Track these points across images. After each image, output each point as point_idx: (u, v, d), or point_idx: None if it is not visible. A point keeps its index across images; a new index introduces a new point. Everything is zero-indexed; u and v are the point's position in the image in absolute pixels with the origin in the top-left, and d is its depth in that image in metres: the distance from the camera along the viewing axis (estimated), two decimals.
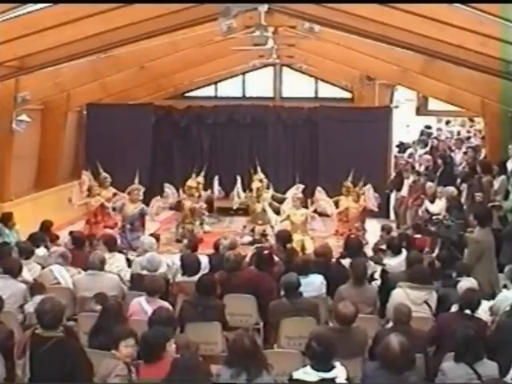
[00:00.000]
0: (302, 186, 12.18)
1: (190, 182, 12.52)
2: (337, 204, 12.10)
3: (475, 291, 6.20)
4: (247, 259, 8.26)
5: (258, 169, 12.75)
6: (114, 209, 11.95)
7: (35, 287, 6.74)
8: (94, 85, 13.74)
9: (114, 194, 12.17)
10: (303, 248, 10.84)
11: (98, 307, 6.19)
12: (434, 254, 8.84)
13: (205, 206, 12.75)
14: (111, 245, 8.33)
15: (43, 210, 11.87)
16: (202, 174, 12.94)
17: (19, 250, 7.91)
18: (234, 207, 12.88)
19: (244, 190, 12.63)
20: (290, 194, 12.06)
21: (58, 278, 7.33)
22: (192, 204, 12.34)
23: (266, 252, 7.70)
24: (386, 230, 9.66)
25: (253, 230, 12.15)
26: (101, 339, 5.39)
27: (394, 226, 12.50)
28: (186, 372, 4.42)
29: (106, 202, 11.88)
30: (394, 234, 9.99)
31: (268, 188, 12.50)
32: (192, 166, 13.19)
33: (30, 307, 6.35)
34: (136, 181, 11.85)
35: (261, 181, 12.46)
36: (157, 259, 7.64)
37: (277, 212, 12.00)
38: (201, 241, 8.87)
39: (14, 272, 6.86)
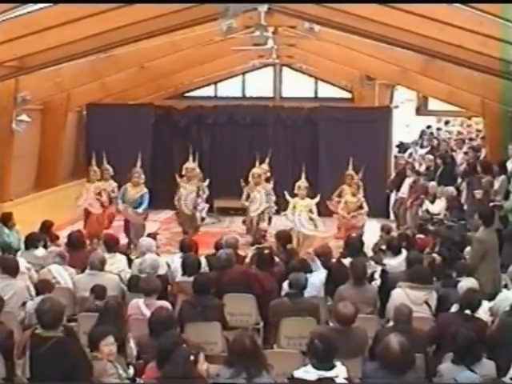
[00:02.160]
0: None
1: (189, 164, 12.22)
2: (340, 194, 12.08)
3: (475, 291, 6.19)
4: (247, 259, 8.25)
5: (267, 160, 12.69)
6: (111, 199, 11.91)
7: (41, 286, 6.72)
8: (93, 85, 13.75)
9: (113, 191, 12.15)
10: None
11: (98, 302, 6.21)
12: (435, 254, 8.84)
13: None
14: (111, 245, 8.25)
15: (43, 210, 11.85)
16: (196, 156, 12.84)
17: (1, 249, 7.95)
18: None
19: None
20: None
21: (56, 278, 7.32)
22: (194, 188, 11.99)
23: (266, 252, 7.69)
24: (385, 230, 9.66)
25: (244, 222, 12.07)
26: None
27: (393, 226, 12.51)
28: (186, 365, 4.40)
29: (103, 192, 11.83)
30: (394, 234, 9.99)
31: (268, 181, 12.36)
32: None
33: (30, 307, 6.34)
34: (138, 164, 11.79)
35: (265, 173, 12.36)
36: (157, 263, 7.61)
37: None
38: (195, 243, 8.62)
39: (14, 271, 6.86)
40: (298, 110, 15.79)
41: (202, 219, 12.66)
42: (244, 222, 12.48)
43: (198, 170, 12.53)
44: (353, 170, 12.14)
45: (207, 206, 12.57)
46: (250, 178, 12.20)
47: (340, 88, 17.33)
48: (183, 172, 12.13)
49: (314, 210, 11.39)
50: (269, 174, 12.57)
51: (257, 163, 12.56)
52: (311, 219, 11.19)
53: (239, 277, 7.24)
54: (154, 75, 14.83)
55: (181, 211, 12.07)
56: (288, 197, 11.52)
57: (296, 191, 11.53)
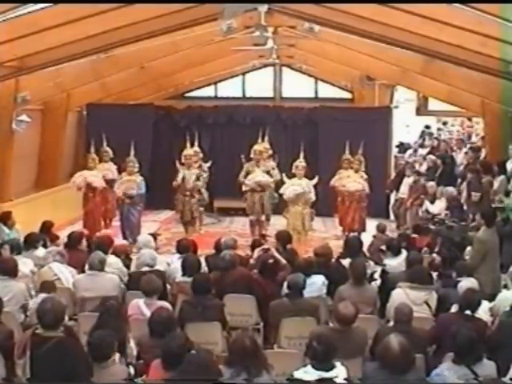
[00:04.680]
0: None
1: (187, 151, 12.27)
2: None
3: (475, 291, 6.19)
4: (252, 261, 8.15)
5: (266, 138, 12.66)
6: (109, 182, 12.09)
7: (45, 285, 6.68)
8: (94, 85, 13.75)
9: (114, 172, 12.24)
10: (303, 221, 11.06)
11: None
12: (434, 254, 8.83)
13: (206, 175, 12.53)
14: (103, 247, 7.91)
15: (43, 210, 11.87)
16: (196, 144, 12.82)
17: (10, 247, 7.91)
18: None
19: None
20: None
21: (58, 275, 7.30)
22: (194, 175, 12.04)
23: (270, 261, 7.51)
24: (380, 229, 9.66)
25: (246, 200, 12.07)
26: None
27: (394, 226, 12.53)
28: (199, 369, 4.39)
29: (100, 179, 11.93)
30: (390, 233, 10.00)
31: (271, 158, 12.31)
32: None
33: (33, 306, 6.31)
34: (131, 153, 11.87)
35: (266, 150, 12.30)
36: (155, 255, 7.67)
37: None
38: (193, 243, 8.60)
39: (13, 272, 6.83)
40: (298, 110, 15.79)
41: (201, 213, 12.59)
42: (245, 199, 12.20)
43: (200, 154, 12.59)
44: (349, 155, 12.25)
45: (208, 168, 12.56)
46: (252, 155, 12.14)
47: (340, 88, 17.32)
48: (183, 160, 12.16)
49: (312, 190, 11.37)
50: (271, 152, 12.50)
51: (259, 140, 12.51)
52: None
53: (241, 279, 7.23)
54: (155, 75, 14.84)
55: (179, 196, 12.03)
56: (285, 178, 11.51)
57: (294, 171, 11.50)
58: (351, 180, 11.98)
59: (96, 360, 4.86)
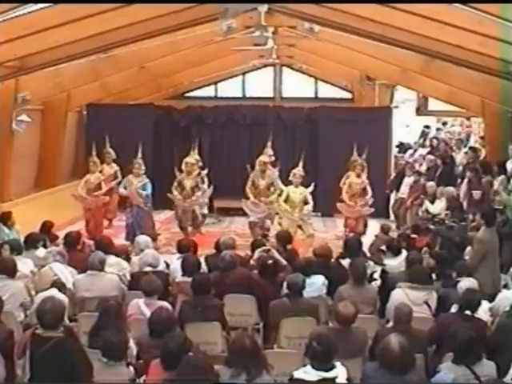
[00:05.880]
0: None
1: (189, 159, 12.24)
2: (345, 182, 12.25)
3: (475, 291, 6.19)
4: (252, 261, 8.13)
5: (269, 144, 12.63)
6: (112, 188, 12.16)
7: (55, 285, 6.70)
8: (94, 85, 13.75)
9: (116, 173, 12.20)
10: (300, 227, 11.13)
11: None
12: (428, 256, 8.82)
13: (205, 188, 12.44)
14: (103, 248, 7.92)
15: (43, 210, 11.86)
16: (196, 150, 12.83)
17: (11, 247, 7.91)
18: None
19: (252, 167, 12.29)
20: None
21: (58, 275, 7.28)
22: (192, 182, 12.00)
23: (270, 262, 7.46)
24: (384, 230, 9.65)
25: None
26: None
27: (394, 226, 12.52)
28: (197, 371, 4.39)
29: (103, 182, 11.92)
30: (390, 233, 9.99)
31: (274, 166, 12.31)
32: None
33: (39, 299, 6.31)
34: (139, 155, 11.87)
35: (269, 157, 12.29)
36: (158, 255, 7.71)
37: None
38: (193, 243, 8.57)
39: (11, 271, 6.83)
40: (298, 110, 15.79)
41: (203, 216, 12.61)
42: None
43: (199, 163, 12.58)
44: (358, 156, 12.30)
45: (210, 190, 12.44)
46: (257, 166, 12.11)
47: (340, 88, 17.33)
48: (183, 166, 12.15)
49: (309, 199, 11.37)
50: (273, 158, 12.50)
51: (265, 150, 12.53)
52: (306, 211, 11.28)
53: (241, 280, 7.22)
54: (154, 75, 14.83)
55: (179, 204, 12.05)
56: (281, 185, 11.53)
57: (291, 178, 11.52)
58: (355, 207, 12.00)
59: (109, 358, 4.88)
